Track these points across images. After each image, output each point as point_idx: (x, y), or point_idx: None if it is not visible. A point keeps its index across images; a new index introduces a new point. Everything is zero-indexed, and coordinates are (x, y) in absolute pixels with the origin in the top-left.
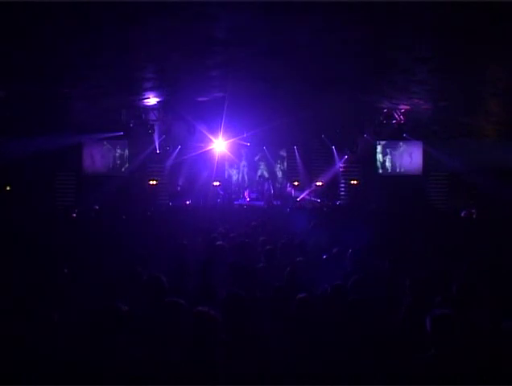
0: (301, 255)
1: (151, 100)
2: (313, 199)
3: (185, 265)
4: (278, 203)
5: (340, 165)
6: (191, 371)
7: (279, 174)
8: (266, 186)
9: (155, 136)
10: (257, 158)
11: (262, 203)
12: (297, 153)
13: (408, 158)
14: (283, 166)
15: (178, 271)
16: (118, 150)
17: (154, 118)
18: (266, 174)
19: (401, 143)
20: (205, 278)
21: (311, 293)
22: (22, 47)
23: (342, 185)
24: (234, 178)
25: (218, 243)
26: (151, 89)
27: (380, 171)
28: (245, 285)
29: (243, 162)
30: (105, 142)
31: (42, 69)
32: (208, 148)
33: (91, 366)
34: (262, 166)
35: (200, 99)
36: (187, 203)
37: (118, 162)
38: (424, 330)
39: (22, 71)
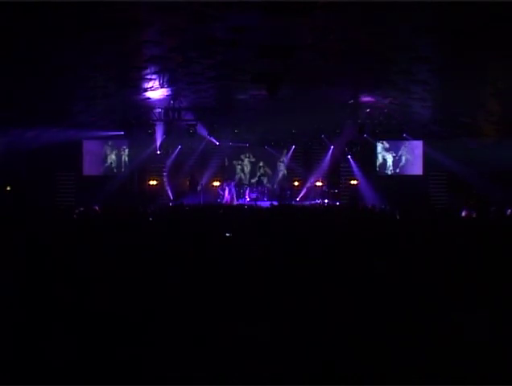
0: None
1: (151, 99)
2: (312, 199)
3: None
4: (276, 203)
5: (339, 165)
6: None
7: (279, 173)
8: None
9: (156, 136)
10: (256, 157)
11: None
12: (297, 153)
13: (408, 158)
14: (283, 166)
15: None
16: (118, 150)
17: (154, 118)
18: (265, 175)
19: (401, 143)
20: None
21: None
22: (21, 47)
23: (342, 185)
24: (236, 177)
25: None
26: (151, 89)
27: (380, 171)
28: None
29: (244, 162)
30: (105, 142)
31: (42, 70)
32: (207, 148)
33: None
34: (262, 166)
35: (201, 99)
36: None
37: (118, 161)
38: None
39: (21, 72)
